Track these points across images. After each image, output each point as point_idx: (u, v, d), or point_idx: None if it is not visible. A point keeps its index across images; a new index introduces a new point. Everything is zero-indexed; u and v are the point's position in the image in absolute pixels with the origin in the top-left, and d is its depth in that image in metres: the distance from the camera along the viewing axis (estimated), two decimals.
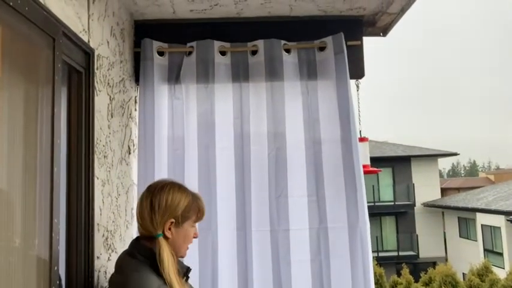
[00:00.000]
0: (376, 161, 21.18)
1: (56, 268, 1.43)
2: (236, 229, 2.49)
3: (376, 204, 20.40)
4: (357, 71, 2.62)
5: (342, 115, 2.51)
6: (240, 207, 2.50)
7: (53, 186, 1.45)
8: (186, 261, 1.81)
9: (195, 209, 1.63)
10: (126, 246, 2.20)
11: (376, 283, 6.95)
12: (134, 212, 2.39)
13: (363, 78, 2.70)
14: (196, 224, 1.69)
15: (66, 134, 1.70)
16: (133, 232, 2.32)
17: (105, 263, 1.93)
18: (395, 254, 20.08)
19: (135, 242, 1.63)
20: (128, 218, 2.28)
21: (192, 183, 2.48)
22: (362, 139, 2.62)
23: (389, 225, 21.36)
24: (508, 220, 14.61)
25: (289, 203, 2.49)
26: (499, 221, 15.66)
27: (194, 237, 1.67)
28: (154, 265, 1.49)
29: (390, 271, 8.94)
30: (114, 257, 2.06)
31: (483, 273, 7.73)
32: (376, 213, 20.43)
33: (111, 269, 2.00)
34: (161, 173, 2.43)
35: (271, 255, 2.46)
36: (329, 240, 2.46)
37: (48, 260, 1.41)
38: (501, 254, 15.38)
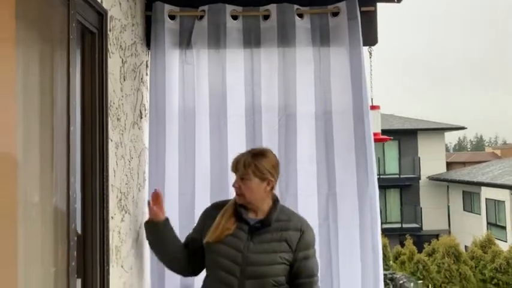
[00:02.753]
0: (382, 133, 21.06)
1: (73, 225, 1.46)
2: None
3: (381, 176, 20.44)
4: (370, 38, 2.59)
5: (354, 82, 2.49)
6: None
7: (70, 145, 1.46)
8: None
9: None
10: (139, 209, 2.28)
11: None
12: (146, 175, 2.44)
13: (376, 46, 2.67)
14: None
15: (80, 95, 1.71)
16: (146, 195, 2.35)
17: (119, 224, 1.97)
18: (398, 226, 20.26)
19: None
20: (140, 181, 2.31)
21: (203, 150, 2.49)
22: (373, 107, 2.61)
23: (393, 198, 21.48)
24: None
25: (298, 168, 2.50)
26: (503, 195, 15.71)
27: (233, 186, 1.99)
28: None
29: (394, 243, 9.07)
30: (127, 218, 2.10)
31: (486, 245, 7.82)
32: (381, 185, 20.16)
33: (125, 230, 2.05)
34: (172, 138, 2.44)
35: None
36: (337, 206, 2.48)
37: (66, 217, 1.44)
38: (504, 228, 15.50)
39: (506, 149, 29.84)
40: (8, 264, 1.28)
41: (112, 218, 1.87)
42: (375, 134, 2.58)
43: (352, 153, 2.49)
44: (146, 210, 2.38)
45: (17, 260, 1.33)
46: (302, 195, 2.49)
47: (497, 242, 8.88)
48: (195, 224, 2.11)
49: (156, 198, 2.12)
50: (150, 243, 2.14)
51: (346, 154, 2.50)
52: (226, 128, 2.49)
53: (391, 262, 7.29)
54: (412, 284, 2.13)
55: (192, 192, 2.43)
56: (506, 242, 13.03)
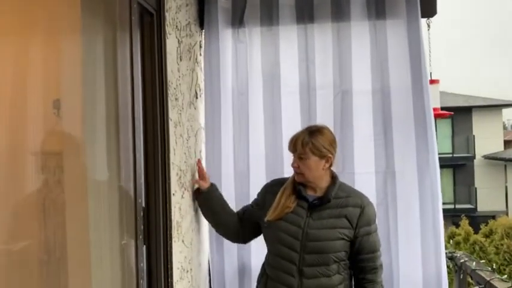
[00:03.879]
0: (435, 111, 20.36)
1: (140, 200, 1.52)
2: None
3: None
4: (428, 9, 2.48)
5: (413, 56, 2.40)
6: None
7: (134, 124, 1.51)
8: None
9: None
10: (196, 186, 2.33)
11: None
12: (203, 153, 2.49)
13: (435, 17, 2.56)
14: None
15: (141, 76, 1.75)
16: None
17: (180, 200, 2.03)
18: (451, 206, 19.63)
19: None
20: (197, 159, 2.36)
21: (257, 128, 2.51)
22: (432, 81, 2.52)
23: (446, 178, 20.76)
24: None
25: (355, 146, 2.46)
26: None
27: (292, 166, 1.99)
28: None
29: (447, 223, 8.78)
30: (187, 195, 2.16)
31: None
32: None
33: (185, 206, 2.11)
34: (227, 118, 2.47)
35: None
36: (396, 184, 2.43)
37: (133, 193, 1.50)
38: None
39: None
40: (81, 236, 1.36)
41: (173, 194, 1.92)
42: (434, 110, 2.49)
43: (412, 130, 2.42)
44: None
45: (89, 233, 1.40)
46: (359, 174, 2.45)
47: None
48: (254, 198, 2.16)
49: (198, 170, 2.26)
50: (202, 213, 2.26)
51: (405, 131, 2.43)
52: (280, 106, 2.49)
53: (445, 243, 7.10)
54: (474, 263, 2.05)
55: (247, 170, 2.45)
56: None
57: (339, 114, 2.48)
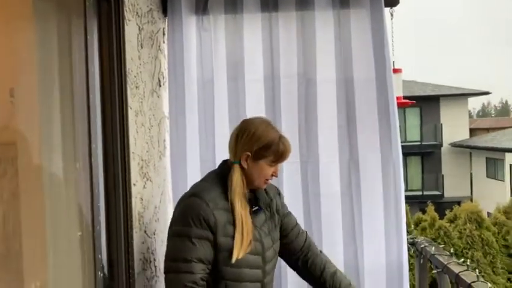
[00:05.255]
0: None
1: (97, 190, 1.49)
2: None
3: (403, 144, 20.15)
4: None
5: (376, 46, 2.42)
6: None
7: (90, 113, 1.48)
8: None
9: (275, 151, 1.65)
10: (160, 176, 2.31)
11: None
12: (167, 143, 2.46)
13: (398, 6, 2.59)
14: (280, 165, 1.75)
15: (99, 63, 1.71)
16: (167, 163, 2.38)
17: (141, 190, 2.00)
18: (419, 193, 20.15)
19: (223, 161, 1.77)
20: (160, 149, 2.33)
21: (223, 118, 2.49)
22: (395, 70, 2.55)
23: (414, 166, 21.29)
24: None
25: (319, 135, 2.48)
26: None
27: (273, 176, 1.72)
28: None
29: (414, 210, 9.04)
30: (149, 186, 2.14)
31: (509, 210, 7.72)
32: (402, 153, 20.21)
33: (147, 196, 2.09)
34: (192, 107, 2.44)
35: (302, 187, 2.49)
36: (360, 172, 2.47)
37: (89, 183, 1.47)
38: None
39: None
40: (37, 228, 1.32)
41: (134, 184, 1.90)
42: (397, 98, 2.53)
43: (375, 120, 2.45)
44: (168, 178, 2.42)
45: (45, 224, 1.37)
46: (323, 162, 2.48)
47: None
48: (192, 242, 1.61)
49: None
50: None
51: (368, 120, 2.46)
52: (244, 95, 2.48)
53: (412, 228, 7.28)
54: (433, 248, 2.12)
55: (213, 160, 2.44)
56: None
57: (303, 103, 2.48)
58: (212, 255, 1.62)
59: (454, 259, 2.26)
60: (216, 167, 1.83)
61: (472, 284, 1.91)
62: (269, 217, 1.79)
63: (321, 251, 1.97)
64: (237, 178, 1.66)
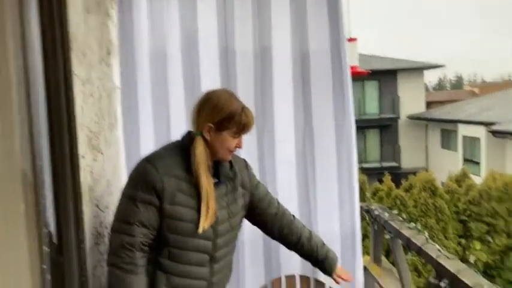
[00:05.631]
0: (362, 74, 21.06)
1: (40, 162, 1.42)
2: None
3: (362, 117, 20.66)
4: None
5: (331, 15, 2.41)
6: None
7: (29, 76, 1.39)
8: None
9: (238, 121, 1.62)
10: (112, 149, 2.23)
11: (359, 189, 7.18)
12: (118, 115, 2.37)
13: None
14: (244, 136, 1.70)
15: (40, 25, 1.60)
16: (119, 135, 2.30)
17: (91, 163, 1.93)
18: (378, 165, 20.73)
19: (186, 132, 1.72)
20: (111, 121, 2.25)
21: (176, 87, 2.43)
22: (351, 39, 2.55)
23: (373, 138, 21.82)
24: (488, 131, 15.00)
25: (274, 105, 2.47)
26: (479, 131, 16.07)
27: (237, 147, 1.69)
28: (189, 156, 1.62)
29: (373, 181, 9.28)
30: (101, 159, 2.06)
31: (461, 179, 8.06)
32: (361, 126, 20.74)
33: (98, 170, 2.02)
34: (144, 78, 2.36)
35: (258, 154, 2.49)
36: (314, 142, 2.48)
37: (30, 154, 1.39)
38: (478, 163, 16.01)
39: (485, 87, 30.24)
40: None
41: (83, 157, 1.82)
42: (352, 68, 2.55)
43: (329, 88, 2.47)
44: (121, 151, 2.35)
45: None
46: (279, 130, 2.47)
47: (472, 177, 9.15)
48: (136, 206, 1.58)
49: None
50: None
51: (322, 89, 2.47)
52: (199, 67, 2.42)
53: (369, 197, 7.49)
54: (387, 215, 2.20)
55: (168, 134, 2.38)
56: (479, 176, 13.49)
57: (259, 74, 2.46)
58: (157, 221, 1.60)
59: (406, 224, 2.33)
60: (171, 140, 1.78)
61: (422, 247, 1.97)
62: (230, 190, 1.77)
63: (293, 216, 2.00)
64: (200, 150, 1.63)
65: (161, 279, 1.64)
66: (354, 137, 2.47)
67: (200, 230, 1.62)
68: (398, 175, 18.55)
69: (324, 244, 1.99)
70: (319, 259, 1.96)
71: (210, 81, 2.39)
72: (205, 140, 1.64)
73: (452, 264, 1.76)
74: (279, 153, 2.46)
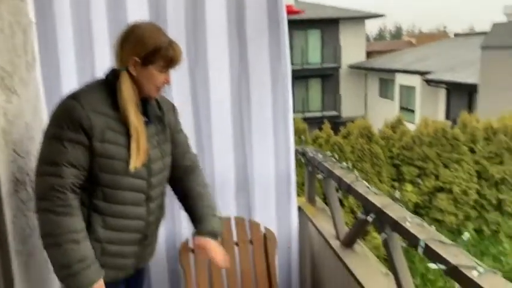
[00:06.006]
0: (304, 22, 21.02)
1: None
2: None
3: (304, 67, 20.78)
4: None
5: None
6: None
7: None
8: None
9: (165, 55, 1.55)
10: (30, 91, 2.06)
11: (299, 137, 7.34)
12: (36, 54, 2.18)
13: None
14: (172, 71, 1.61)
15: None
16: (38, 75, 2.13)
17: (5, 105, 1.77)
18: (319, 114, 21.17)
19: (110, 69, 1.62)
20: (28, 59, 2.06)
21: (99, 20, 2.25)
22: None
23: (315, 87, 22.12)
24: (423, 80, 15.62)
25: (208, 40, 2.37)
26: (415, 80, 16.70)
27: (165, 83, 1.61)
28: (115, 94, 1.55)
29: (314, 129, 9.47)
30: (16, 100, 1.90)
31: (396, 125, 8.38)
32: (303, 76, 20.91)
33: (13, 112, 1.86)
34: (62, 8, 2.17)
35: (191, 93, 2.41)
36: (250, 82, 2.44)
37: None
38: (413, 111, 16.76)
39: (422, 37, 31.19)
40: None
41: None
42: (287, 7, 2.48)
43: (265, 27, 2.40)
44: (40, 91, 2.18)
45: None
46: (213, 68, 2.40)
47: (408, 124, 9.57)
48: (63, 145, 1.49)
49: None
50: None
51: (258, 27, 2.40)
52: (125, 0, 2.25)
53: (309, 144, 7.65)
54: (320, 156, 2.27)
55: (92, 68, 2.23)
56: (414, 123, 14.16)
57: (190, 6, 2.33)
58: (87, 161, 1.53)
59: (338, 164, 2.37)
60: (95, 73, 1.70)
61: (351, 184, 2.02)
62: (160, 130, 1.72)
63: (204, 183, 1.90)
64: (127, 86, 1.55)
65: (97, 220, 1.58)
66: (289, 80, 2.44)
67: (132, 168, 1.57)
68: (338, 124, 19.08)
69: (214, 215, 1.84)
70: (197, 218, 1.81)
71: (137, 11, 2.24)
72: (131, 76, 1.56)
73: (378, 200, 1.82)
74: (213, 91, 2.39)
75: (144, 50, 1.54)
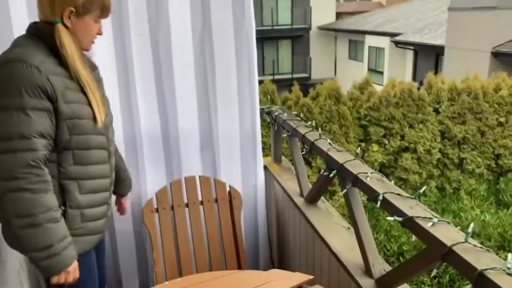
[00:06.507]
0: None
1: None
2: (112, 33, 2.28)
3: (274, 28, 20.50)
4: None
5: None
6: (116, 7, 2.24)
7: None
8: None
9: (101, 3, 1.46)
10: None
11: (268, 99, 7.32)
12: None
13: None
14: (102, 21, 1.53)
15: None
16: None
17: None
18: (289, 76, 21.12)
19: (33, 23, 1.47)
20: None
21: None
22: None
23: (285, 49, 21.95)
24: (391, 41, 15.70)
25: (170, 4, 2.28)
26: (384, 42, 16.77)
27: (98, 34, 1.53)
28: (54, 50, 1.43)
29: (285, 91, 9.45)
30: None
31: (363, 86, 8.45)
32: (273, 37, 20.66)
33: None
34: None
35: (152, 58, 2.33)
36: (213, 44, 2.37)
37: None
38: (382, 73, 16.92)
39: None
40: None
41: None
42: None
43: None
44: None
45: None
46: (175, 30, 2.31)
47: (376, 86, 9.66)
48: (27, 115, 1.34)
49: None
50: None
51: None
52: None
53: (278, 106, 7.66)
54: (285, 115, 2.29)
55: (10, 30, 2.05)
56: (382, 85, 14.32)
57: None
58: (53, 128, 1.41)
59: (303, 123, 2.38)
60: (14, 37, 1.49)
61: (315, 142, 2.03)
62: (98, 81, 1.65)
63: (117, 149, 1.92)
64: (68, 40, 1.44)
65: (73, 187, 1.50)
66: (253, 39, 2.39)
67: (100, 124, 1.51)
68: (308, 86, 19.04)
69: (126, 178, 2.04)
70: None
71: None
72: (65, 28, 1.44)
73: (340, 156, 1.84)
74: (176, 55, 2.32)
75: None
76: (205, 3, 2.31)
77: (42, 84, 1.36)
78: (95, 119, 1.50)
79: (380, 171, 8.29)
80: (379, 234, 6.88)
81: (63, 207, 1.49)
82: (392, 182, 1.59)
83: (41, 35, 1.44)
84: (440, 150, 7.98)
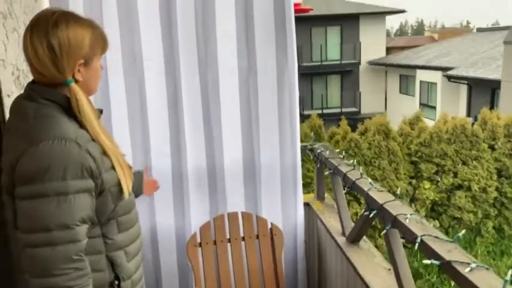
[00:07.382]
0: (324, 19, 20.90)
1: None
2: (165, 74, 2.44)
3: (323, 63, 20.67)
4: None
5: None
6: (168, 48, 2.41)
7: None
8: None
9: (98, 40, 1.32)
10: None
11: (315, 133, 7.33)
12: None
13: None
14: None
15: None
16: None
17: None
18: (338, 110, 21.06)
19: (35, 85, 1.27)
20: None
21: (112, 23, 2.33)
22: None
23: (334, 84, 21.99)
24: (444, 75, 15.37)
25: (218, 44, 2.42)
26: (436, 76, 16.45)
27: (102, 69, 1.45)
28: (69, 113, 1.26)
29: (333, 126, 9.44)
30: None
31: (414, 122, 8.30)
32: (323, 72, 20.80)
33: None
34: (78, 7, 2.25)
35: (201, 95, 2.47)
36: (258, 81, 2.47)
37: None
38: (434, 108, 16.52)
39: (443, 33, 30.63)
40: None
41: (8, 96, 1.75)
42: (295, 5, 2.50)
43: (272, 27, 2.43)
44: None
45: None
46: (222, 71, 2.44)
47: (427, 120, 9.47)
48: (71, 200, 1.18)
49: None
50: None
51: (265, 28, 2.43)
52: None
53: (326, 141, 7.65)
54: (328, 152, 2.31)
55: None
56: (434, 120, 13.97)
57: (200, 10, 2.38)
58: (94, 207, 1.26)
59: (345, 161, 2.39)
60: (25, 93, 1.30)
61: (356, 181, 2.05)
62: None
63: None
64: (86, 102, 1.27)
65: (122, 257, 1.37)
66: (295, 76, 2.47)
67: (126, 195, 1.35)
68: (357, 120, 18.91)
69: None
70: None
71: (149, 21, 2.31)
72: (76, 82, 1.28)
73: (380, 196, 1.84)
74: (223, 93, 2.45)
75: (85, 48, 1.27)
76: (250, 41, 2.43)
77: (87, 162, 1.21)
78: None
79: (432, 209, 7.99)
80: (431, 275, 6.57)
81: (116, 282, 1.34)
82: (431, 224, 1.57)
83: (55, 99, 1.25)
84: (497, 189, 7.61)
